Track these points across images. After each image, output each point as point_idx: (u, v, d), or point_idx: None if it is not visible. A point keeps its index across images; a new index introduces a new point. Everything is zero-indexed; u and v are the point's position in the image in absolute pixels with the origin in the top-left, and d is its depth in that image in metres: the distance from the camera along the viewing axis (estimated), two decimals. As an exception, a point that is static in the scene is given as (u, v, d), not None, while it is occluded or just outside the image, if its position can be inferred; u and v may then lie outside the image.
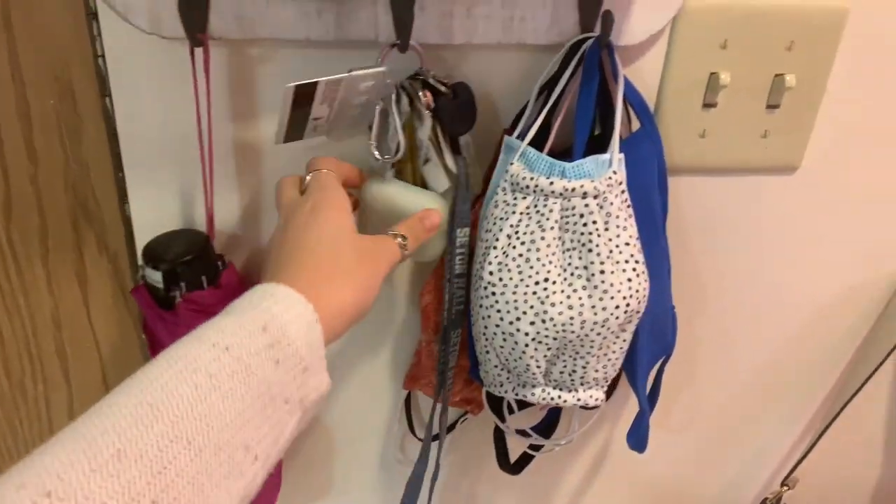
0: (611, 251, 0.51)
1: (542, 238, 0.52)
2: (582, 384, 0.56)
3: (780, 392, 0.81)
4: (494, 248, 0.53)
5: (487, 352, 0.56)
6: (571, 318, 0.52)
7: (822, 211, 0.69)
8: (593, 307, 0.52)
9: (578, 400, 0.57)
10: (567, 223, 0.52)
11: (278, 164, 0.58)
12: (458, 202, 0.56)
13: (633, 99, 0.56)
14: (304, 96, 0.48)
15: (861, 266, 0.73)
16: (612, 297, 0.51)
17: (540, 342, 0.53)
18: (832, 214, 0.70)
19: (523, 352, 0.53)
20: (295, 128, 0.51)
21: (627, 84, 0.55)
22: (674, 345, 0.66)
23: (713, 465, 0.85)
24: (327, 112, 0.51)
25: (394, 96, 0.53)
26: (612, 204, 0.51)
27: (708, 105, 0.61)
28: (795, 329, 0.76)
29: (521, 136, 0.54)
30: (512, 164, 0.52)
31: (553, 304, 0.51)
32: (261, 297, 0.40)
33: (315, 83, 0.48)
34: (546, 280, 0.52)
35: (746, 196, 0.67)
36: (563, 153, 0.55)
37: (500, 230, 0.52)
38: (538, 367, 0.54)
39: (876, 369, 0.73)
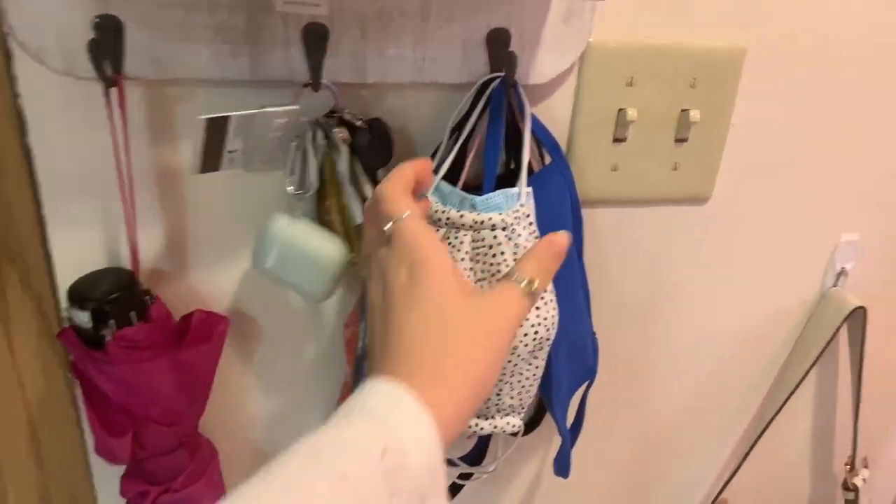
0: None
1: (462, 270, 0.53)
2: (498, 411, 0.57)
3: (706, 416, 0.83)
4: None
5: None
6: None
7: (736, 239, 0.72)
8: None
9: (495, 427, 0.58)
10: (478, 254, 0.53)
11: (199, 194, 0.59)
12: None
13: (542, 135, 0.58)
14: (217, 129, 0.50)
15: (778, 292, 0.76)
16: (520, 325, 0.53)
17: None
18: (746, 242, 0.73)
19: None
20: (211, 159, 0.53)
21: (535, 121, 0.57)
22: (595, 371, 0.68)
23: (643, 489, 0.87)
24: (242, 145, 0.53)
25: (309, 133, 0.55)
26: (519, 235, 0.53)
27: (618, 140, 0.64)
28: (716, 354, 0.78)
29: (435, 172, 0.56)
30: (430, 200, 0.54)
31: None
32: (379, 402, 0.34)
33: (227, 117, 0.50)
34: None
35: (661, 226, 0.69)
36: (477, 187, 0.57)
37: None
38: None
39: (794, 391, 0.76)
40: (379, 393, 0.35)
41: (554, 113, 0.62)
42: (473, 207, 0.53)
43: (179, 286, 0.63)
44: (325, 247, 0.55)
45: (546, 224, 0.55)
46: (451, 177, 0.57)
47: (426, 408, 0.34)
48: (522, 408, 0.59)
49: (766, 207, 0.71)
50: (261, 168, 0.57)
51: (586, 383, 0.69)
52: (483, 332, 0.38)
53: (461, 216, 0.53)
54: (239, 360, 0.67)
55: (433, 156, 0.60)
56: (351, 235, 0.57)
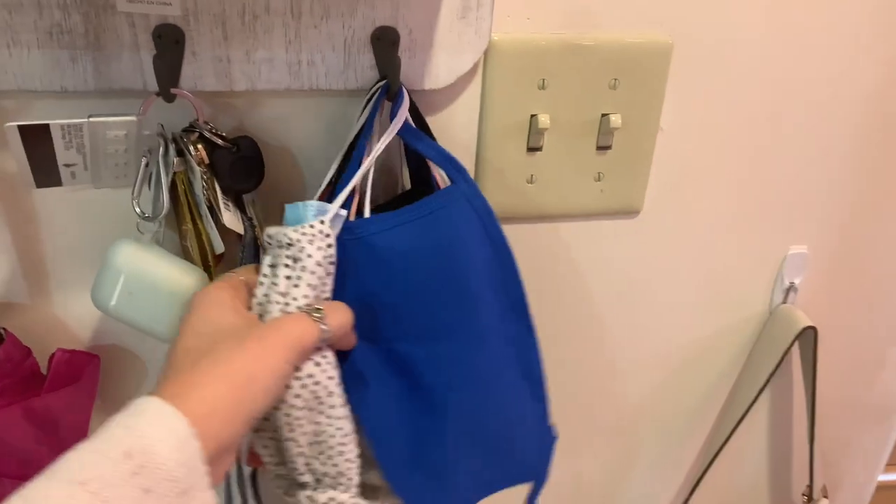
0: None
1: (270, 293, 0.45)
2: (317, 481, 0.46)
3: (656, 437, 0.76)
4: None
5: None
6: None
7: (673, 254, 0.66)
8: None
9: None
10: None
11: (48, 213, 0.52)
12: (245, 259, 0.51)
13: (429, 150, 0.49)
14: (36, 139, 0.43)
15: (723, 309, 0.70)
16: (295, 342, 0.44)
17: None
18: (684, 257, 0.66)
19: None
20: (44, 173, 0.46)
21: (412, 132, 0.49)
22: (543, 474, 0.55)
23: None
24: (81, 159, 0.46)
25: (161, 149, 0.48)
26: (310, 256, 0.42)
27: (533, 149, 0.57)
28: (657, 377, 0.72)
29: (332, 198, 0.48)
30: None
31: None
32: (128, 414, 0.35)
33: (46, 125, 0.43)
34: None
35: (587, 242, 0.63)
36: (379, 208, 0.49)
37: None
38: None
39: (744, 415, 0.70)
40: (129, 407, 0.36)
41: (458, 121, 0.56)
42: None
43: (40, 320, 0.56)
44: (180, 278, 0.48)
45: (442, 264, 0.46)
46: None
47: (173, 408, 0.34)
48: (348, 479, 0.46)
49: (704, 218, 0.65)
50: (116, 185, 0.50)
51: (530, 486, 0.56)
52: (255, 338, 0.39)
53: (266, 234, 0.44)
54: (119, 403, 0.60)
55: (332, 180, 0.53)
56: (210, 265, 0.50)
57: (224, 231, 0.50)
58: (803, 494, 0.78)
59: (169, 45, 0.47)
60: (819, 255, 0.69)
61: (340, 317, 0.43)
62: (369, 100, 0.49)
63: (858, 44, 0.60)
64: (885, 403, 0.82)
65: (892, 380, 0.80)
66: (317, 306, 0.41)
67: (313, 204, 0.43)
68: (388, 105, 0.50)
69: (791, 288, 0.69)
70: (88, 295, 0.55)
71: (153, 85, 0.48)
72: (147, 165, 0.49)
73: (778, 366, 0.68)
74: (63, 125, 0.43)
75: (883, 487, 0.91)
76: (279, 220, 0.54)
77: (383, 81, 0.49)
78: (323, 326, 0.41)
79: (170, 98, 0.46)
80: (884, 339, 0.77)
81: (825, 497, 0.78)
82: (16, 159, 0.44)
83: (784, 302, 0.70)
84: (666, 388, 0.73)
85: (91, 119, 0.43)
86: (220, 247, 0.50)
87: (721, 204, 0.65)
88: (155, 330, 0.49)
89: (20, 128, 0.42)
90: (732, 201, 0.65)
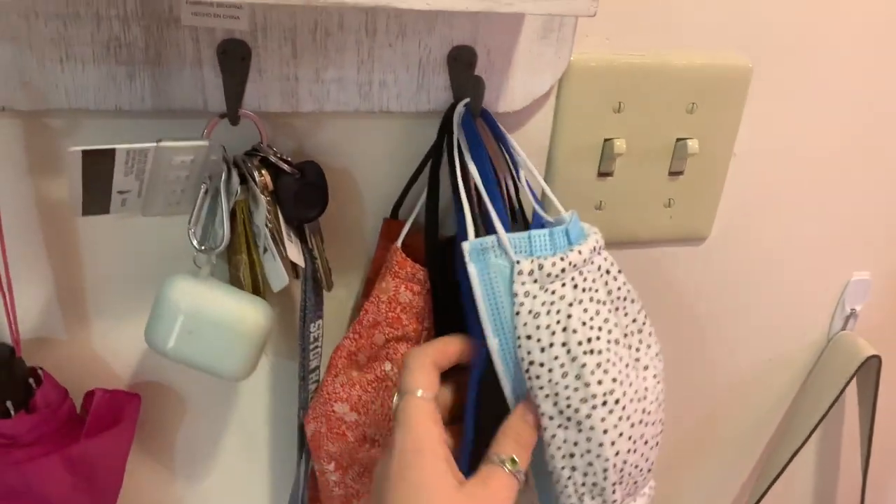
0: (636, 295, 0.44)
1: (609, 311, 0.42)
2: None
3: (701, 467, 0.74)
4: (584, 353, 0.39)
5: (584, 495, 0.43)
6: (655, 376, 0.44)
7: (736, 280, 0.63)
8: (657, 355, 0.45)
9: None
10: (604, 284, 0.43)
11: (89, 242, 0.48)
12: (307, 296, 0.48)
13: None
14: (98, 164, 0.39)
15: (782, 336, 0.68)
16: (655, 336, 0.45)
17: (652, 422, 0.44)
18: (747, 283, 0.64)
19: (650, 447, 0.44)
20: (95, 199, 0.42)
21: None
22: None
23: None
24: (137, 186, 0.42)
25: (224, 175, 0.44)
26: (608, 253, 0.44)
27: (604, 174, 0.54)
28: (715, 403, 0.69)
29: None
30: (518, 262, 0.39)
31: (645, 377, 0.43)
32: None
33: (111, 150, 0.39)
34: (637, 350, 0.44)
35: (652, 269, 0.60)
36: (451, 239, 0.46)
37: (572, 331, 0.39)
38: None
39: (802, 445, 0.67)
40: None
41: (529, 144, 0.52)
42: (567, 236, 0.41)
43: (77, 358, 0.51)
44: (245, 312, 0.45)
45: None
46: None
47: None
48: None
49: (769, 245, 0.63)
50: (167, 212, 0.46)
51: None
52: None
53: (579, 253, 0.40)
54: (156, 443, 0.56)
55: (399, 203, 0.50)
56: (264, 299, 0.47)
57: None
58: (853, 525, 0.76)
59: (234, 61, 0.43)
60: (880, 283, 0.67)
61: (529, 448, 0.40)
62: (447, 122, 0.46)
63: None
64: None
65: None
66: (510, 455, 0.39)
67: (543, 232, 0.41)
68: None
69: (851, 315, 0.67)
70: (127, 329, 0.51)
71: (214, 105, 0.44)
72: (206, 192, 0.45)
73: (840, 394, 0.65)
74: (129, 150, 0.39)
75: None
76: (336, 250, 0.51)
77: (462, 103, 0.46)
78: (521, 479, 0.39)
79: (236, 120, 0.43)
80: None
81: (873, 527, 0.76)
82: (70, 185, 0.40)
83: (844, 328, 0.68)
84: (720, 415, 0.70)
85: (160, 144, 0.39)
86: (283, 280, 0.46)
87: (786, 230, 0.62)
88: (217, 369, 0.45)
89: (84, 153, 0.37)
90: (798, 227, 0.63)
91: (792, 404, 0.71)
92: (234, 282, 0.49)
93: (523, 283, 0.39)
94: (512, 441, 0.40)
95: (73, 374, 0.50)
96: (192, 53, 0.42)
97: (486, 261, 0.39)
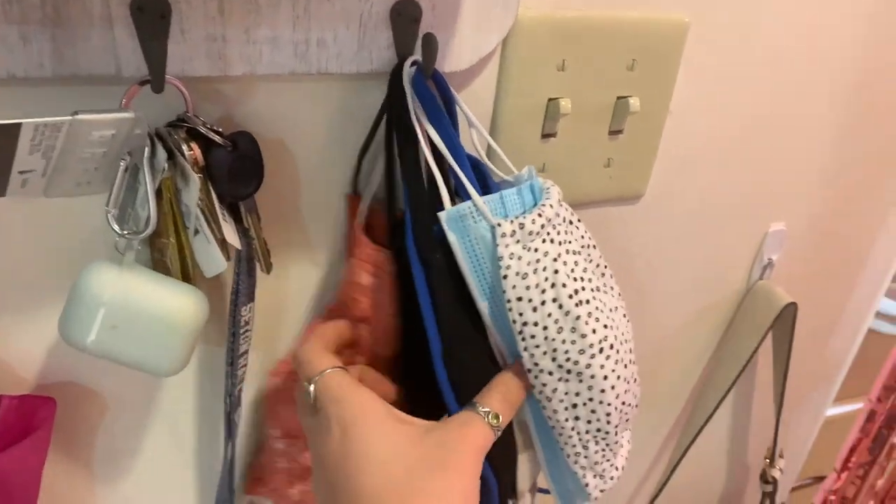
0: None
1: (585, 259, 0.41)
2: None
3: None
4: (576, 305, 0.39)
5: (588, 442, 0.43)
6: (624, 315, 0.45)
7: (668, 237, 0.64)
8: (619, 295, 0.46)
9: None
10: (571, 235, 0.42)
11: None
12: (240, 278, 0.44)
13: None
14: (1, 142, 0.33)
15: (709, 286, 0.70)
16: (615, 282, 0.46)
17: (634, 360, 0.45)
18: (678, 238, 0.65)
19: (637, 384, 0.45)
20: (-11, 181, 0.36)
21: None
22: None
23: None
24: (43, 165, 0.36)
25: (147, 150, 0.39)
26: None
27: (547, 135, 0.52)
28: (647, 354, 0.71)
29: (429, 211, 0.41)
30: (499, 224, 0.38)
31: (626, 319, 0.44)
32: None
33: (16, 125, 0.33)
34: (606, 293, 0.43)
35: (592, 229, 0.59)
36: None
37: (561, 286, 0.38)
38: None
39: (723, 397, 0.70)
40: None
41: (473, 106, 0.49)
42: (532, 191, 0.41)
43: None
44: (177, 303, 0.40)
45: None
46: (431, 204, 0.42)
47: None
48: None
49: (696, 200, 0.64)
50: (76, 193, 0.40)
51: None
52: (444, 463, 0.34)
53: (551, 206, 0.39)
54: (74, 447, 0.50)
55: (356, 175, 0.46)
56: (193, 285, 0.42)
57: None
58: (765, 458, 0.81)
59: (153, 20, 0.37)
60: (794, 233, 0.70)
61: (514, 408, 0.40)
62: (396, 83, 0.42)
63: (854, 34, 0.60)
64: (829, 367, 0.86)
65: (838, 344, 0.85)
66: (494, 411, 0.38)
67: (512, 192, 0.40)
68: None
69: (769, 265, 0.70)
70: (32, 326, 0.45)
71: (129, 70, 0.38)
72: (126, 170, 0.39)
73: (762, 341, 0.68)
74: (38, 125, 0.33)
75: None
76: (274, 230, 0.47)
77: (409, 62, 0.42)
78: (498, 433, 0.38)
79: (161, 87, 0.37)
80: (836, 309, 0.81)
81: (781, 457, 0.82)
82: (-40, 169, 0.33)
83: (761, 278, 0.71)
84: (648, 367, 0.72)
85: (77, 117, 0.34)
86: (220, 264, 0.41)
87: (712, 185, 0.64)
88: (147, 365, 0.41)
89: (-21, 131, 0.31)
90: (722, 182, 0.64)
91: (715, 352, 0.74)
92: (159, 268, 0.44)
93: (507, 246, 0.38)
94: (500, 396, 0.39)
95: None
96: (101, 11, 0.36)
97: (465, 228, 0.38)
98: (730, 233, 0.67)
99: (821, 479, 0.96)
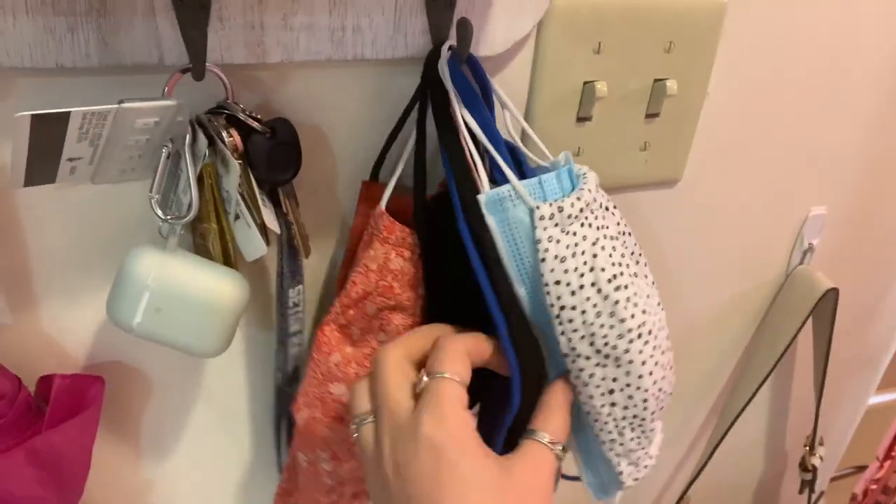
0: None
1: (622, 245, 0.41)
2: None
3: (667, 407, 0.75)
4: (616, 289, 0.39)
5: (624, 429, 0.43)
6: (658, 303, 0.44)
7: (706, 221, 0.64)
8: (653, 283, 0.45)
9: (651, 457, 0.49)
10: (608, 220, 0.42)
11: (32, 215, 0.43)
12: (284, 263, 0.45)
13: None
14: (49, 130, 0.34)
15: (747, 271, 0.69)
16: (650, 270, 0.46)
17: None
18: (716, 222, 0.64)
19: (674, 371, 0.45)
20: (40, 168, 0.37)
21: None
22: None
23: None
24: (90, 153, 0.38)
25: (188, 137, 0.40)
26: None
27: (582, 119, 0.52)
28: (682, 340, 0.71)
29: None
30: (537, 207, 0.38)
31: (661, 307, 0.44)
32: None
33: (66, 114, 0.34)
34: (649, 284, 0.43)
35: (627, 214, 0.59)
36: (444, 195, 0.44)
37: (600, 269, 0.38)
38: None
39: (762, 383, 0.69)
40: None
41: (507, 91, 0.49)
42: (571, 176, 0.40)
43: (26, 342, 0.47)
44: (219, 286, 0.41)
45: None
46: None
47: None
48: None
49: (733, 185, 0.63)
50: (120, 179, 0.41)
51: None
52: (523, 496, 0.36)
53: (590, 191, 0.39)
54: (122, 426, 0.52)
55: (379, 161, 0.46)
56: (234, 269, 0.43)
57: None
58: (805, 445, 0.80)
59: (193, 9, 0.38)
60: (835, 217, 0.69)
61: (569, 429, 0.41)
62: (431, 69, 0.43)
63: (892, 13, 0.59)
64: (872, 353, 0.85)
65: (881, 330, 0.83)
66: (559, 440, 0.39)
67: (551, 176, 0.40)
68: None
69: (809, 249, 0.69)
70: (80, 308, 0.47)
71: (171, 58, 0.39)
72: (168, 157, 0.40)
73: (801, 326, 0.67)
74: (86, 113, 0.34)
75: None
76: (309, 214, 0.48)
77: (446, 47, 0.42)
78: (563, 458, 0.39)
79: (202, 75, 0.38)
80: (878, 295, 0.79)
81: (821, 445, 0.81)
82: (14, 154, 0.35)
83: (801, 263, 0.70)
84: (683, 354, 0.72)
85: (122, 105, 0.35)
86: (260, 249, 0.42)
87: (750, 169, 0.63)
88: (191, 347, 0.42)
89: (34, 118, 0.32)
90: (760, 166, 0.63)
91: (752, 339, 0.73)
92: (201, 252, 0.45)
93: (545, 229, 0.38)
94: (560, 420, 0.40)
95: (24, 361, 0.46)
96: (144, 2, 0.37)
97: (504, 211, 0.38)
98: (769, 217, 0.66)
99: (862, 468, 0.94)
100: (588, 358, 0.39)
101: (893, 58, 0.62)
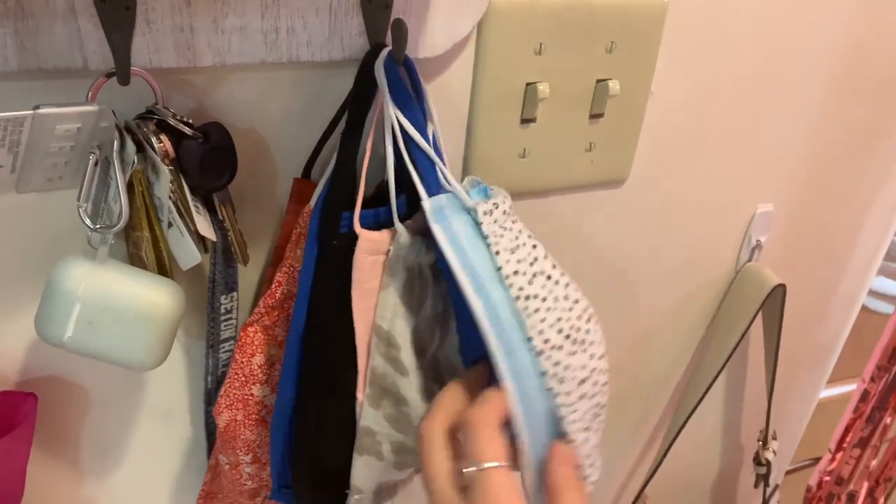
0: None
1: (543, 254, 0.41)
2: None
3: (630, 401, 0.76)
4: (562, 274, 0.40)
5: (591, 424, 0.42)
6: (590, 314, 0.42)
7: (654, 220, 0.64)
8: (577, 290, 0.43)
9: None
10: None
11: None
12: (217, 270, 0.44)
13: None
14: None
15: (692, 274, 0.70)
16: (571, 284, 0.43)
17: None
18: (664, 221, 0.65)
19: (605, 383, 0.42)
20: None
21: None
22: None
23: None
24: (10, 160, 0.36)
25: (116, 143, 0.38)
26: None
27: (527, 120, 0.52)
28: (635, 339, 0.71)
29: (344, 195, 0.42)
30: (478, 205, 0.39)
31: (581, 303, 0.41)
32: None
33: None
34: (567, 285, 0.41)
35: (574, 214, 0.59)
36: (375, 200, 0.44)
37: (544, 257, 0.40)
38: None
39: (714, 379, 0.70)
40: None
41: (450, 92, 0.49)
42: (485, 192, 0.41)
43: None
44: (153, 296, 0.40)
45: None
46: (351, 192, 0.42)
47: None
48: None
49: (681, 183, 0.63)
50: (47, 188, 0.40)
51: None
52: None
53: (504, 199, 0.40)
54: (60, 442, 0.50)
55: (312, 160, 0.46)
56: (170, 278, 0.42)
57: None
58: (758, 440, 0.81)
59: (116, 11, 0.37)
60: (781, 213, 0.70)
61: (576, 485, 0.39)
62: (365, 71, 0.42)
63: (837, 13, 0.60)
64: (822, 348, 0.86)
65: (830, 324, 0.84)
66: (500, 459, 0.37)
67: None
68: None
69: (757, 246, 0.70)
70: (9, 322, 0.45)
71: (96, 62, 0.38)
72: (96, 164, 0.39)
73: (751, 323, 0.68)
74: (0, 119, 0.33)
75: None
76: (247, 219, 0.47)
77: (386, 50, 0.42)
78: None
79: (127, 79, 0.37)
80: (827, 290, 0.81)
81: (774, 439, 0.82)
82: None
83: (750, 260, 0.70)
84: (637, 352, 0.72)
85: (38, 111, 0.33)
86: (194, 257, 0.41)
87: (697, 167, 0.63)
88: (126, 360, 0.41)
89: (-59, 128, 0.31)
90: (707, 163, 0.63)
91: (705, 336, 0.74)
92: (135, 261, 0.44)
93: (490, 224, 0.39)
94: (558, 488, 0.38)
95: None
96: (64, 3, 0.36)
97: (445, 216, 0.39)
98: (716, 215, 0.67)
99: (817, 460, 0.95)
100: (561, 347, 0.38)
101: (834, 56, 0.63)
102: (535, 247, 0.39)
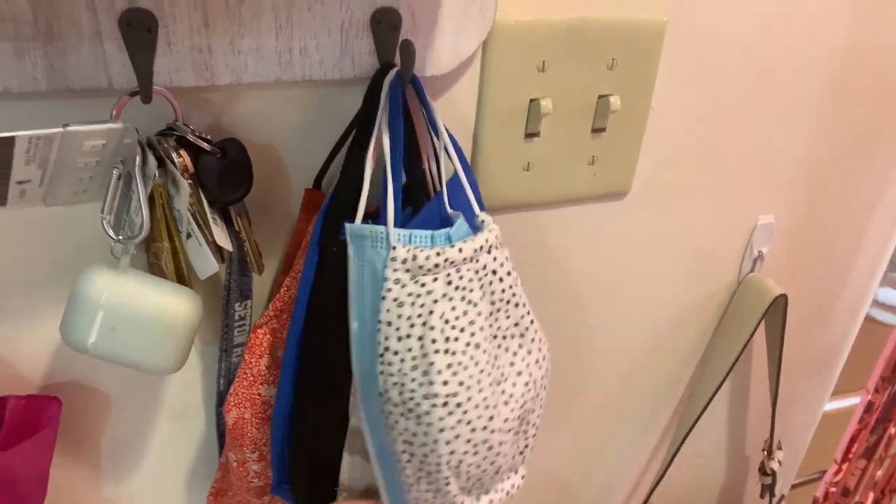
0: (524, 299, 0.45)
1: (479, 313, 0.42)
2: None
3: (627, 417, 0.77)
4: (436, 351, 0.40)
5: (420, 479, 0.44)
6: (526, 383, 0.44)
7: (656, 232, 0.65)
8: (536, 362, 0.45)
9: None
10: (484, 286, 0.42)
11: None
12: (232, 278, 0.47)
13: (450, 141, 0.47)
14: (-3, 155, 0.35)
15: (694, 285, 0.71)
16: (542, 342, 0.46)
17: (508, 430, 0.45)
18: (666, 233, 0.66)
19: (497, 452, 0.44)
20: (-10, 192, 0.38)
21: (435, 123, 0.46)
22: None
23: (565, 489, 0.81)
24: (39, 175, 0.38)
25: (138, 158, 0.40)
26: (502, 252, 0.44)
27: (531, 135, 0.54)
28: (638, 351, 0.72)
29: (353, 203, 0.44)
30: (394, 248, 0.39)
31: (514, 383, 0.44)
32: None
33: (10, 139, 0.35)
34: (496, 358, 0.43)
35: (577, 227, 0.61)
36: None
37: (429, 328, 0.40)
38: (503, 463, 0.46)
39: (717, 390, 0.71)
40: None
41: (456, 108, 0.51)
42: (449, 239, 0.41)
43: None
44: (173, 304, 0.42)
45: None
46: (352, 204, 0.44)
47: None
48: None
49: (683, 195, 0.65)
50: (73, 201, 0.42)
51: None
52: None
53: (460, 251, 0.41)
54: (81, 446, 0.52)
55: (322, 172, 0.48)
56: (188, 286, 0.44)
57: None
58: (763, 450, 0.82)
59: (140, 33, 0.39)
60: (783, 225, 0.71)
61: None
62: (374, 89, 0.44)
63: (832, 26, 0.61)
64: (825, 358, 0.87)
65: (833, 334, 0.85)
66: None
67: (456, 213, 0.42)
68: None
69: (759, 257, 0.71)
70: (36, 329, 0.47)
71: (120, 82, 0.40)
72: (119, 178, 0.41)
73: (753, 333, 0.69)
74: (31, 137, 0.35)
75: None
76: (262, 230, 0.49)
77: (394, 69, 0.44)
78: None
79: (149, 98, 0.39)
80: (829, 299, 0.81)
81: (780, 449, 0.82)
82: (-39, 181, 0.35)
83: (752, 271, 0.72)
84: (641, 362, 0.73)
85: (67, 129, 0.35)
86: (212, 267, 0.43)
87: (698, 179, 0.65)
88: (146, 365, 0.42)
89: (-23, 145, 0.33)
90: (709, 176, 0.65)
91: (707, 347, 0.75)
92: (155, 271, 0.46)
93: (395, 270, 0.39)
94: None
95: None
96: (90, 26, 0.38)
97: (363, 245, 0.40)
98: (718, 227, 0.68)
99: (824, 473, 0.96)
100: (395, 405, 0.41)
101: (830, 67, 0.64)
102: (431, 312, 0.40)
